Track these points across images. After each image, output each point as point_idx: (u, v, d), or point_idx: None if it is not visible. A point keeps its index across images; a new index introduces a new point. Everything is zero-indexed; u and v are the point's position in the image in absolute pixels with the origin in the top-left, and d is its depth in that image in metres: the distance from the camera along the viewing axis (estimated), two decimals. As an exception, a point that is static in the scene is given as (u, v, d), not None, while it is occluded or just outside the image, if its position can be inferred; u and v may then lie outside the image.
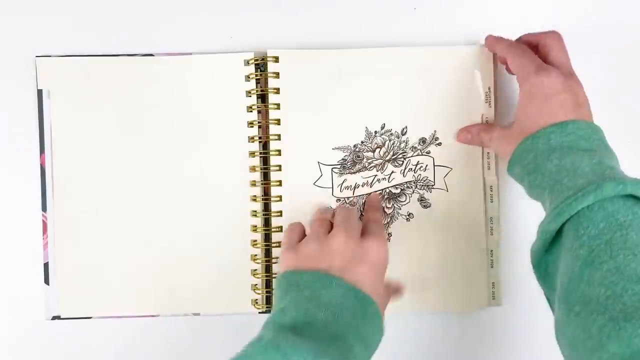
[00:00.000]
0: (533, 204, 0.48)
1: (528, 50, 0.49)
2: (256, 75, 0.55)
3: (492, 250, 0.56)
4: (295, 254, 0.47)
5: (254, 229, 0.55)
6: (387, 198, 0.56)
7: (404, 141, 0.55)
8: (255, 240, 0.55)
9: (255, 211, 0.55)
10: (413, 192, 0.56)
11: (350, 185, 0.55)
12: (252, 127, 0.55)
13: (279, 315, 0.43)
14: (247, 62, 0.55)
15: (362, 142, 0.55)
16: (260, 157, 0.55)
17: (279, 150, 0.55)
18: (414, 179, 0.56)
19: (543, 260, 0.44)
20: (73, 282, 0.55)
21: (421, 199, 0.56)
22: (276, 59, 0.54)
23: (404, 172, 0.55)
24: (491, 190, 0.56)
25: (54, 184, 0.55)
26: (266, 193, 0.55)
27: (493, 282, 0.56)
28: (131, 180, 0.55)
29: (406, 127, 0.55)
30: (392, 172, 0.55)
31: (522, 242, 0.56)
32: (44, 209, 0.55)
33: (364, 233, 0.48)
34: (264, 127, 0.55)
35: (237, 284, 0.56)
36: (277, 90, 0.54)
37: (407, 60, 0.55)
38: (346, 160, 0.55)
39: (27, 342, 0.56)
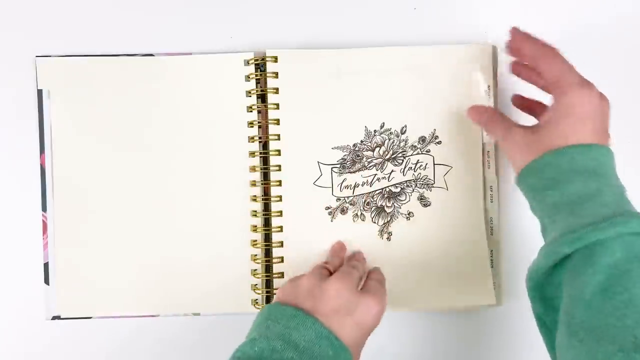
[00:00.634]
0: None
1: (565, 58, 0.46)
2: (256, 75, 0.55)
3: (492, 250, 0.56)
4: (291, 287, 0.47)
5: (254, 229, 0.55)
6: (387, 197, 0.55)
7: (403, 140, 0.55)
8: (255, 240, 0.55)
9: (255, 211, 0.55)
10: (413, 190, 0.56)
11: (350, 185, 0.55)
12: (252, 127, 0.55)
13: (249, 346, 0.43)
14: (247, 62, 0.55)
15: (361, 141, 0.55)
16: (260, 157, 0.55)
17: (279, 150, 0.55)
18: (413, 177, 0.56)
19: (543, 281, 0.43)
20: (73, 282, 0.55)
21: (421, 198, 0.56)
22: (275, 59, 0.54)
23: (403, 171, 0.55)
24: (491, 191, 0.56)
25: (54, 184, 0.55)
26: (266, 193, 0.55)
27: (493, 282, 0.56)
28: (131, 180, 0.55)
29: (405, 126, 0.55)
30: (392, 171, 0.55)
31: (522, 242, 0.56)
32: (44, 209, 0.55)
33: (363, 288, 0.48)
34: (264, 127, 0.55)
35: (237, 284, 0.56)
36: (277, 90, 0.54)
37: (406, 59, 0.55)
38: (346, 159, 0.55)
39: (27, 342, 0.56)
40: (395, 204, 0.56)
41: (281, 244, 0.55)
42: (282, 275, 0.55)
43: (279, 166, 0.55)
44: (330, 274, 0.49)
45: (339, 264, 0.52)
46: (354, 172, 0.55)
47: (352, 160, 0.55)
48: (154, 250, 0.55)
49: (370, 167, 0.55)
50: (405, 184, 0.56)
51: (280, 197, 0.55)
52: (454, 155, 0.56)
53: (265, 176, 0.55)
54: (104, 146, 0.55)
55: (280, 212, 0.55)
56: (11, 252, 0.56)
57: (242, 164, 0.55)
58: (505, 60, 0.52)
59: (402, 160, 0.55)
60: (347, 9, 0.57)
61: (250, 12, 0.57)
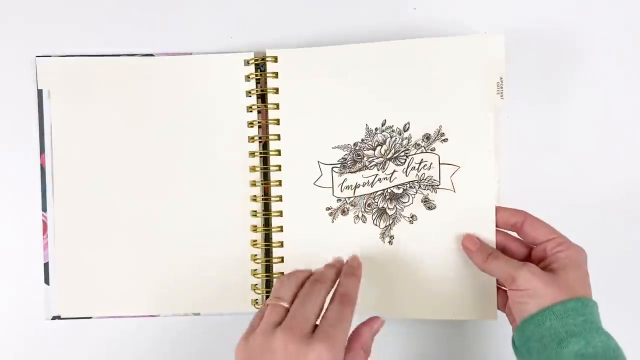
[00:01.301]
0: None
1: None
2: (256, 75, 0.55)
3: None
4: (245, 345, 0.43)
5: (254, 229, 0.55)
6: (388, 198, 0.54)
7: (406, 138, 0.53)
8: (255, 240, 0.55)
9: (255, 211, 0.55)
10: (416, 192, 0.53)
11: (351, 185, 0.54)
12: (252, 127, 0.55)
13: None
14: (247, 62, 0.55)
15: (362, 140, 0.54)
16: (260, 157, 0.55)
17: (279, 150, 0.54)
18: (417, 178, 0.53)
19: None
20: (73, 282, 0.55)
21: (425, 200, 0.53)
22: (275, 59, 0.54)
23: (406, 171, 0.53)
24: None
25: (54, 184, 0.55)
26: (266, 193, 0.55)
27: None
28: (131, 180, 0.55)
29: (408, 123, 0.53)
30: (394, 171, 0.53)
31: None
32: (44, 209, 0.55)
33: (318, 328, 0.42)
34: (264, 127, 0.55)
35: (237, 284, 0.55)
36: (276, 90, 0.54)
37: (409, 52, 0.52)
38: (346, 159, 0.54)
39: (27, 342, 0.56)
40: (397, 206, 0.53)
41: (281, 244, 0.55)
42: (281, 275, 0.55)
43: (279, 166, 0.54)
44: (286, 310, 0.43)
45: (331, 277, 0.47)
46: (354, 172, 0.54)
47: (352, 160, 0.54)
48: (154, 250, 0.55)
49: (371, 167, 0.54)
50: (407, 185, 0.53)
51: (280, 197, 0.54)
52: (462, 154, 0.52)
53: (266, 176, 0.55)
54: (104, 146, 0.55)
55: (280, 212, 0.54)
56: (11, 252, 0.56)
57: (242, 164, 0.55)
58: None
59: (405, 160, 0.53)
60: (347, 10, 0.57)
61: (250, 12, 0.57)
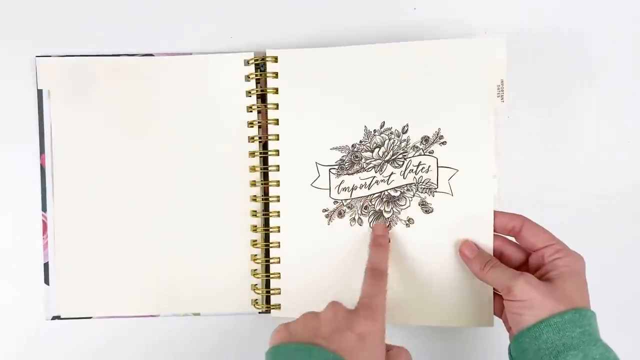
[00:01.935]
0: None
1: None
2: (256, 75, 0.55)
3: None
4: (285, 330, 0.44)
5: (254, 229, 0.55)
6: (385, 201, 0.53)
7: (404, 140, 0.53)
8: (255, 240, 0.55)
9: (255, 211, 0.55)
10: (414, 195, 0.53)
11: (348, 187, 0.53)
12: (252, 127, 0.55)
13: None
14: (247, 62, 0.55)
15: (360, 141, 0.53)
16: (260, 157, 0.55)
17: (278, 151, 0.54)
18: (414, 181, 0.53)
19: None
20: (73, 282, 0.55)
21: (422, 204, 0.53)
22: (275, 59, 0.54)
23: (403, 174, 0.53)
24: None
25: (54, 184, 0.55)
26: (266, 193, 0.55)
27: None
28: (131, 180, 0.55)
29: (407, 125, 0.53)
30: (392, 173, 0.53)
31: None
32: (44, 209, 0.56)
33: (358, 303, 0.45)
34: (264, 127, 0.55)
35: (237, 284, 0.56)
36: (276, 91, 0.54)
37: (409, 54, 0.52)
38: (344, 160, 0.53)
39: (27, 342, 0.56)
40: (394, 208, 0.53)
41: (279, 245, 0.55)
42: (278, 275, 0.55)
43: (278, 166, 0.54)
44: None
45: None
46: (352, 173, 0.54)
47: (350, 162, 0.53)
48: (154, 250, 0.56)
49: (369, 168, 0.53)
50: (405, 188, 0.53)
51: (279, 197, 0.54)
52: (460, 157, 0.52)
53: (265, 176, 0.55)
54: (103, 146, 0.55)
55: (278, 212, 0.54)
56: (11, 252, 0.56)
57: (242, 164, 0.55)
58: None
59: (403, 162, 0.53)
60: (347, 10, 0.56)
61: (250, 12, 0.56)
